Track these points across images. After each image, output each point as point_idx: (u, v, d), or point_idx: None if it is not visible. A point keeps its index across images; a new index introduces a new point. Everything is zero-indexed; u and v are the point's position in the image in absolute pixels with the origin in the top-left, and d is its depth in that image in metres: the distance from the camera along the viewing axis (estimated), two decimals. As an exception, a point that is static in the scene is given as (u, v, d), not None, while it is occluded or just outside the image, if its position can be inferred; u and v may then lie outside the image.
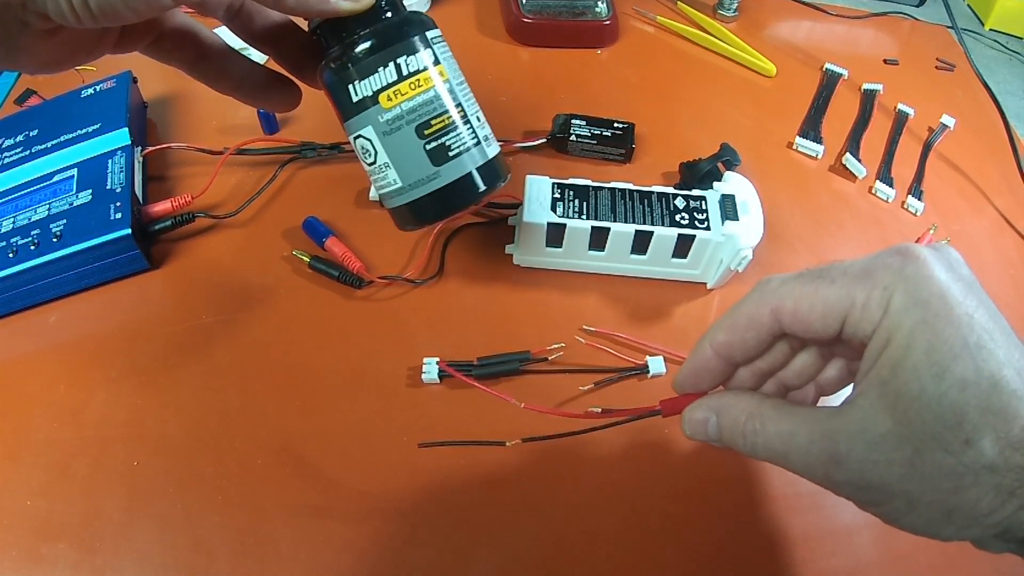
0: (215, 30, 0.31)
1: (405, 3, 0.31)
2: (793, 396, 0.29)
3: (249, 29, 0.30)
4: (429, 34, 0.30)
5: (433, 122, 0.30)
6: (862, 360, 0.23)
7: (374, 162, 0.31)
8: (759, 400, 0.26)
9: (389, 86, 0.29)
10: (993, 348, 0.21)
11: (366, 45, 0.29)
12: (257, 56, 0.32)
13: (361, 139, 0.31)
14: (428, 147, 0.30)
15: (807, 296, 0.24)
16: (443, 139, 0.30)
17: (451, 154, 0.31)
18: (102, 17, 0.22)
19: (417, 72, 0.30)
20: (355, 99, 0.30)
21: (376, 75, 0.29)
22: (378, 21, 0.29)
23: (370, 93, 0.30)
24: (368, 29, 0.29)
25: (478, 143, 0.32)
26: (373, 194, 0.49)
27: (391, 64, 0.29)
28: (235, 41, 0.31)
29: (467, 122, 0.31)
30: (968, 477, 0.21)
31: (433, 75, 0.30)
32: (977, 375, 0.20)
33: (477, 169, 0.31)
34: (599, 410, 0.39)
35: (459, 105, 0.31)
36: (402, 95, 0.30)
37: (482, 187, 0.32)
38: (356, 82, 0.29)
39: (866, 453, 0.22)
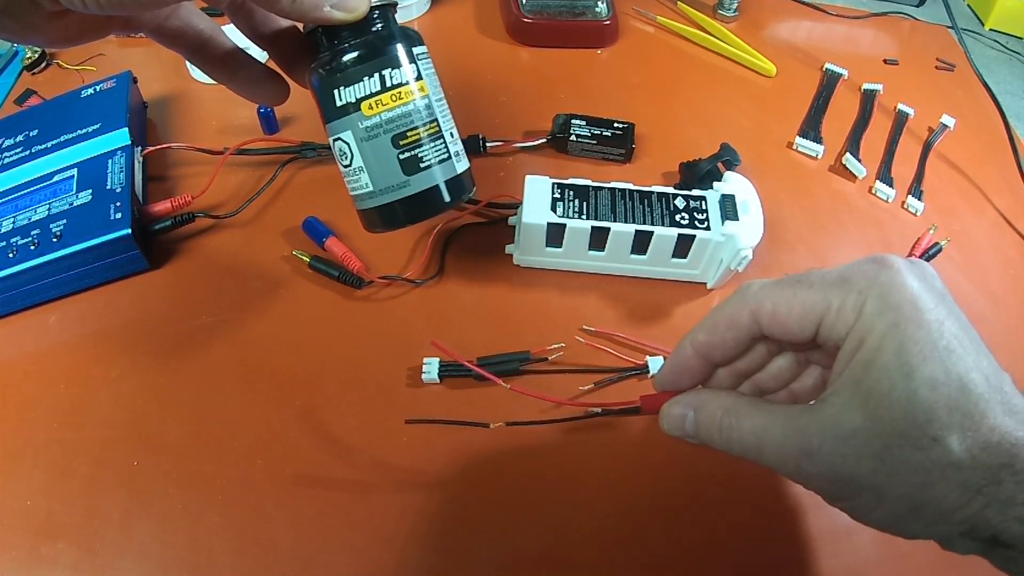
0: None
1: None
2: (768, 400, 0.30)
3: (250, 25, 0.31)
4: (415, 50, 0.32)
5: (409, 134, 0.31)
6: (835, 362, 0.24)
7: (349, 164, 0.33)
8: (735, 397, 0.27)
9: (372, 95, 0.31)
10: (962, 353, 0.22)
11: (354, 54, 0.30)
12: (257, 53, 0.33)
13: (340, 142, 0.32)
14: (401, 157, 0.32)
15: (785, 299, 0.25)
16: (416, 151, 0.32)
17: (422, 166, 0.32)
18: (108, 6, 0.24)
19: (399, 85, 0.31)
20: (339, 104, 0.31)
21: (361, 84, 0.30)
22: (369, 32, 0.30)
23: (353, 100, 0.31)
24: (358, 39, 0.30)
25: (448, 158, 0.33)
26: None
27: (376, 75, 0.30)
28: (241, 40, 0.32)
29: (440, 137, 0.33)
30: (935, 473, 0.21)
31: (414, 89, 0.31)
32: (946, 376, 0.21)
33: (445, 182, 0.33)
34: (599, 411, 0.39)
35: (435, 120, 0.32)
36: (383, 105, 0.31)
37: (447, 199, 0.33)
38: (341, 88, 0.31)
39: (836, 447, 0.23)
